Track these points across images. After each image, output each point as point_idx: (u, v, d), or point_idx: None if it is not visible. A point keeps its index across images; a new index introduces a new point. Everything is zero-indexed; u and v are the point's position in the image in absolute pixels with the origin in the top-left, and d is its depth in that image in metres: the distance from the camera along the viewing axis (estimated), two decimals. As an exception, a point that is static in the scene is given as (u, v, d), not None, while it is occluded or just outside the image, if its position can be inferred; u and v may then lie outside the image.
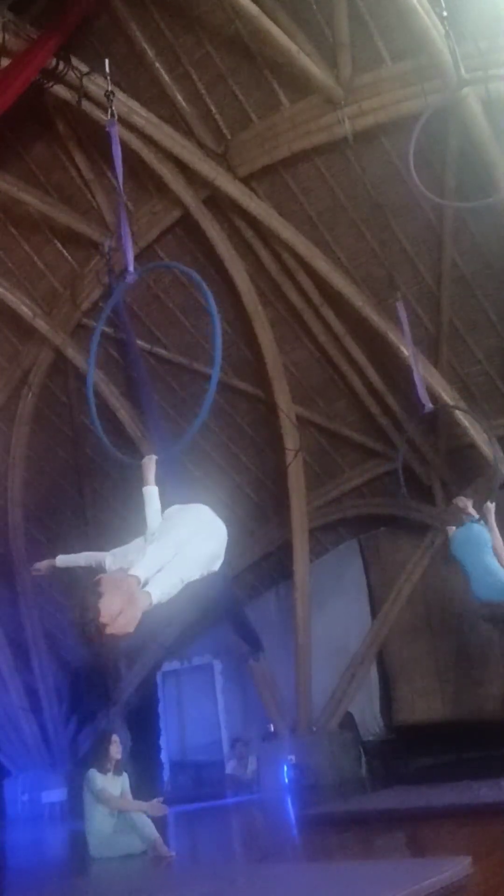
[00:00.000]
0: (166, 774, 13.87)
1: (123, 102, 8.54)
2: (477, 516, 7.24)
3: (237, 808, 10.62)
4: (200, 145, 9.00)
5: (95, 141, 8.99)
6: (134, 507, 4.20)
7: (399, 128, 8.07)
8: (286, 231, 9.46)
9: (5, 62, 7.62)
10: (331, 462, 12.25)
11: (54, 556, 4.18)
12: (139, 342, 10.87)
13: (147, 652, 13.61)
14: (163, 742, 14.17)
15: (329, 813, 7.48)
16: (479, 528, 7.22)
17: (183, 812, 9.99)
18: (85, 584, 3.59)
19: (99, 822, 6.68)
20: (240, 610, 12.36)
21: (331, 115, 8.29)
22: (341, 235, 9.59)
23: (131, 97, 8.61)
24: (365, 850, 5.74)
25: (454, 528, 7.57)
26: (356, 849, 5.80)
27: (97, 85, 8.11)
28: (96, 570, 3.81)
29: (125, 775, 6.96)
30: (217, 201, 9.52)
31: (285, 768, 11.13)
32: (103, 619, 3.27)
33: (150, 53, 8.46)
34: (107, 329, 11.01)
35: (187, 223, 9.81)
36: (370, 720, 12.11)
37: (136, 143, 8.87)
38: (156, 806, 6.53)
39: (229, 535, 4.01)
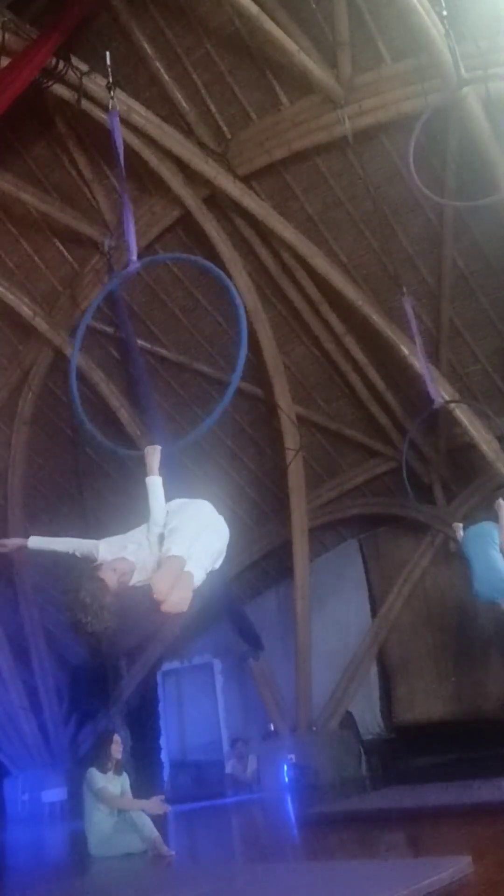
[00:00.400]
0: (166, 774, 13.87)
1: (123, 101, 8.53)
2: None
3: (237, 807, 10.62)
4: (200, 145, 8.99)
5: (95, 140, 8.99)
6: (134, 508, 4.15)
7: (399, 127, 8.07)
8: (286, 230, 9.46)
9: (5, 61, 7.61)
10: (331, 461, 12.25)
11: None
12: (139, 342, 10.86)
13: (147, 651, 13.62)
14: (163, 741, 14.18)
15: (329, 812, 7.48)
16: (490, 526, 7.26)
17: (183, 811, 10.00)
18: (83, 571, 3.60)
19: (99, 822, 6.68)
20: (239, 609, 12.36)
21: (331, 115, 8.29)
22: (341, 235, 9.59)
23: (131, 96, 8.59)
24: (365, 849, 5.74)
25: (461, 525, 7.63)
26: (356, 848, 5.80)
27: (97, 84, 8.10)
28: (78, 559, 3.79)
29: (125, 775, 6.97)
30: (217, 200, 9.52)
31: (285, 767, 11.13)
32: (157, 595, 3.40)
33: (150, 53, 8.45)
34: (107, 328, 11.02)
35: (187, 222, 9.81)
36: (370, 719, 12.12)
37: (136, 143, 8.86)
38: (156, 804, 6.54)
39: (230, 534, 4.01)
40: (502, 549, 6.94)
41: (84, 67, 8.09)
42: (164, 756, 14.09)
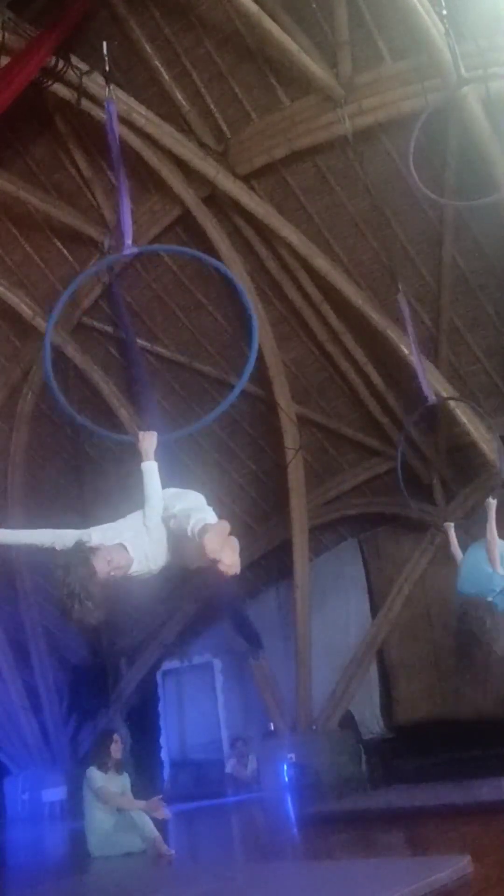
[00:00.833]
0: (166, 773, 13.87)
1: (123, 101, 8.53)
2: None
3: (237, 806, 10.63)
4: (200, 144, 8.99)
5: (95, 140, 8.99)
6: (135, 506, 4.09)
7: (399, 126, 8.06)
8: (286, 230, 9.45)
9: (5, 60, 7.61)
10: (331, 461, 12.25)
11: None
12: (139, 341, 10.86)
13: (147, 651, 13.62)
14: (163, 741, 14.17)
15: (329, 811, 7.49)
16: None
17: (183, 811, 10.00)
18: (74, 553, 3.48)
19: (99, 821, 6.68)
20: (239, 608, 12.36)
21: (331, 114, 8.28)
22: (341, 234, 9.59)
23: (131, 95, 8.60)
24: (365, 848, 5.75)
25: (453, 525, 7.59)
26: (356, 847, 5.80)
27: (97, 83, 8.10)
28: (59, 553, 3.61)
29: (126, 775, 6.97)
30: (217, 200, 9.52)
31: (285, 767, 11.14)
32: (212, 554, 3.37)
33: (150, 52, 8.45)
34: (107, 328, 11.02)
35: (187, 222, 9.81)
36: (370, 719, 12.11)
37: (136, 142, 8.86)
38: (155, 805, 6.54)
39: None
40: (487, 546, 6.87)
41: (84, 67, 8.09)
42: (164, 755, 14.09)
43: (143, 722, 13.91)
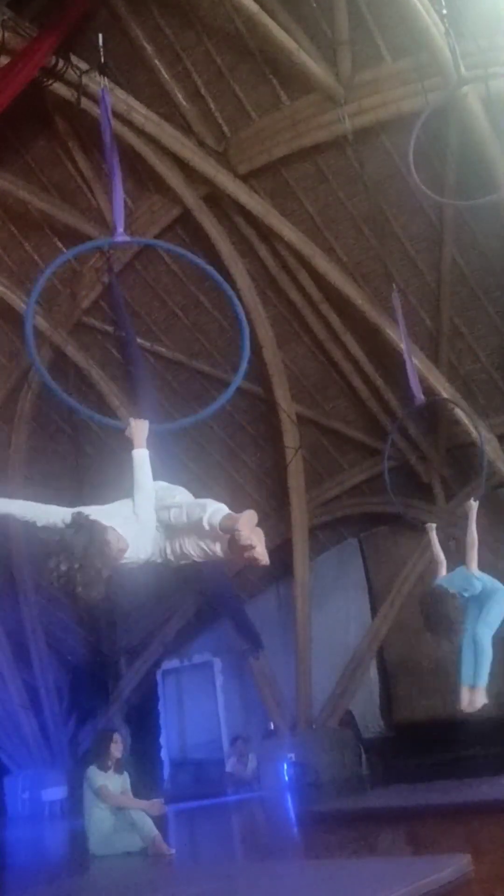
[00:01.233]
0: (166, 772, 13.88)
1: (123, 100, 8.54)
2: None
3: (237, 805, 10.63)
4: (200, 143, 8.99)
5: (95, 139, 8.95)
6: (124, 494, 3.98)
7: (399, 126, 8.06)
8: (286, 229, 9.45)
9: (5, 60, 7.61)
10: (331, 460, 12.25)
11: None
12: (139, 340, 10.86)
13: (147, 650, 13.63)
14: (163, 740, 14.18)
15: (329, 810, 7.49)
16: None
17: (183, 810, 10.00)
18: (85, 525, 3.24)
19: (99, 820, 6.68)
20: (239, 607, 12.36)
21: (331, 113, 8.28)
22: (341, 233, 9.58)
23: (131, 95, 8.60)
24: (365, 847, 5.75)
25: (435, 525, 7.50)
26: (356, 846, 5.80)
27: (96, 83, 8.09)
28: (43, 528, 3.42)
29: (126, 774, 6.96)
30: (217, 199, 9.52)
31: (285, 766, 11.14)
32: (245, 541, 3.36)
33: (150, 51, 8.45)
34: (107, 327, 11.02)
35: (187, 221, 9.81)
36: (370, 718, 12.12)
37: (136, 141, 8.86)
38: (155, 805, 6.55)
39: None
40: (468, 550, 6.73)
41: (84, 66, 8.09)
42: (164, 754, 14.10)
43: (143, 721, 13.92)
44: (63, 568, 3.11)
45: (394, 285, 8.31)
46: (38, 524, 3.45)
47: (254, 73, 8.52)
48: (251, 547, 3.42)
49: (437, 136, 8.12)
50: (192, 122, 8.91)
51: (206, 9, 8.08)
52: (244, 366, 4.30)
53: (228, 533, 3.50)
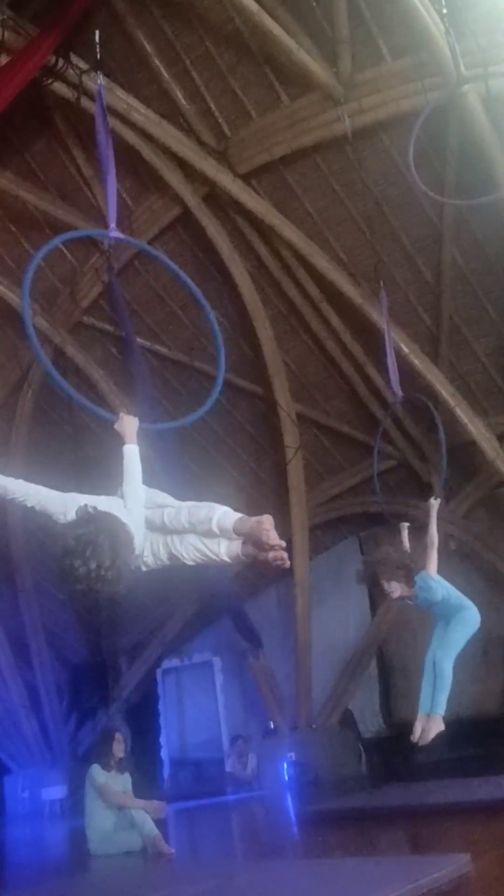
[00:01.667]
0: (166, 771, 13.88)
1: (123, 99, 8.54)
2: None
3: (237, 805, 10.64)
4: (200, 142, 8.99)
5: (95, 138, 8.96)
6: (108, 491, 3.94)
7: (399, 125, 8.06)
8: (286, 228, 9.45)
9: (5, 59, 7.61)
10: (331, 459, 12.25)
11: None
12: (139, 340, 10.86)
13: (147, 649, 13.63)
14: (163, 739, 14.18)
15: (329, 810, 7.49)
16: None
17: (183, 809, 10.01)
18: (108, 517, 3.15)
19: (99, 819, 6.69)
20: (239, 607, 12.37)
21: (331, 112, 8.27)
22: (341, 233, 9.58)
23: (130, 94, 8.59)
24: (364, 846, 5.75)
25: (408, 525, 7.15)
26: (356, 846, 5.81)
27: (96, 82, 8.09)
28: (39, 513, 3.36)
29: (127, 774, 6.97)
30: (217, 198, 9.51)
31: (285, 765, 11.14)
32: (274, 541, 3.37)
33: (150, 50, 8.44)
34: (107, 326, 11.01)
35: (187, 220, 9.80)
36: (370, 717, 12.12)
37: (136, 140, 8.85)
38: (156, 806, 6.55)
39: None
40: (428, 551, 6.46)
41: (83, 65, 8.08)
42: (164, 754, 14.10)
43: (143, 720, 13.92)
44: (92, 566, 2.98)
45: (381, 282, 8.27)
46: (36, 508, 3.40)
47: (254, 72, 8.51)
48: (280, 546, 3.37)
49: (437, 136, 8.11)
50: (191, 121, 8.91)
51: (206, 8, 8.07)
52: (219, 384, 4.25)
53: (243, 536, 3.43)
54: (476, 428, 10.12)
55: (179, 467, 11.41)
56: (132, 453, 3.63)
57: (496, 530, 11.58)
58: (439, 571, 6.30)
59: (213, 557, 3.49)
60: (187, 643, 13.95)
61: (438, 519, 11.25)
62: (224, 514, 3.44)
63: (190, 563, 3.52)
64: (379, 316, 9.75)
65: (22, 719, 12.96)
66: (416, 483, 11.52)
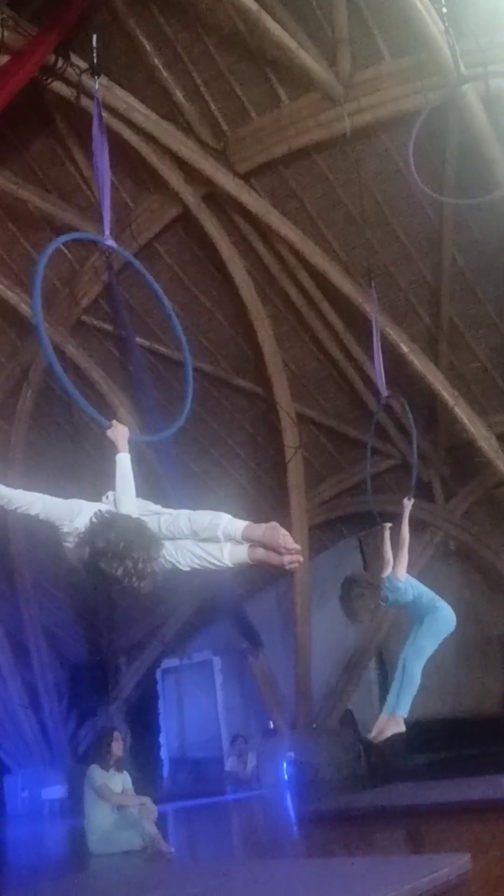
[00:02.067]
0: (166, 771, 13.88)
1: (122, 99, 8.54)
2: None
3: (237, 804, 10.64)
4: (200, 142, 8.99)
5: (95, 136, 8.97)
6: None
7: (399, 124, 8.06)
8: (285, 228, 9.45)
9: (4, 59, 7.60)
10: (330, 459, 12.26)
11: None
12: (138, 339, 10.85)
13: (147, 648, 13.62)
14: (162, 739, 14.19)
15: (328, 809, 7.49)
16: None
17: (182, 808, 10.01)
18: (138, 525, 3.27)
19: (99, 819, 6.69)
20: (238, 606, 12.36)
21: (330, 112, 8.28)
22: (340, 232, 9.58)
23: (130, 94, 8.59)
24: (364, 846, 5.75)
25: (390, 525, 6.99)
26: (355, 845, 5.81)
27: (94, 89, 8.08)
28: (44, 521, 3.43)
29: (126, 773, 6.98)
30: (216, 198, 9.51)
31: (285, 765, 11.15)
32: (294, 546, 3.40)
33: (150, 50, 8.43)
34: (106, 326, 11.01)
35: (186, 220, 9.80)
36: (369, 717, 12.06)
37: (135, 140, 8.85)
38: (148, 807, 6.55)
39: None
40: (400, 551, 6.30)
41: (83, 65, 8.07)
42: (163, 753, 14.11)
43: (143, 720, 13.92)
44: (129, 564, 3.09)
45: (372, 283, 8.25)
46: (41, 516, 3.44)
47: (253, 71, 8.51)
48: (297, 550, 3.43)
49: (437, 135, 8.11)
50: (191, 120, 8.90)
51: (206, 7, 8.07)
52: (188, 405, 4.24)
53: (254, 541, 3.47)
54: (475, 427, 10.12)
55: (179, 467, 11.41)
56: (125, 462, 3.72)
57: (496, 529, 11.58)
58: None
59: (214, 562, 3.50)
60: (187, 643, 13.95)
61: (438, 518, 11.35)
62: (230, 521, 3.47)
63: (185, 568, 3.53)
64: (379, 316, 9.77)
65: (22, 719, 12.96)
66: (416, 482, 11.50)
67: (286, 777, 11.04)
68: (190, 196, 9.41)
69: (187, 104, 8.82)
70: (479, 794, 6.45)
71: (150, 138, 8.90)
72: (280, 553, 3.44)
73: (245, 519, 3.52)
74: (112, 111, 8.30)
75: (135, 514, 3.49)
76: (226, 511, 3.59)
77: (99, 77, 5.69)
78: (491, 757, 8.99)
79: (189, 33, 8.34)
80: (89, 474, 12.16)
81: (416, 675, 5.47)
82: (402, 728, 5.42)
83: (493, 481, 11.00)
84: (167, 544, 3.54)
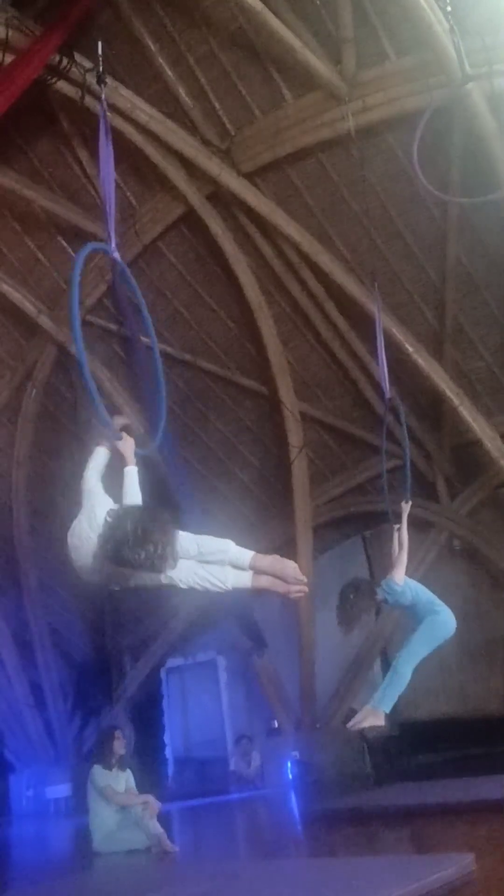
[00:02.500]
0: (170, 770, 13.89)
1: (127, 98, 8.54)
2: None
3: (241, 803, 10.65)
4: (204, 141, 8.99)
5: (99, 137, 8.97)
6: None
7: (403, 123, 8.04)
8: (290, 227, 9.44)
9: (9, 58, 7.60)
10: (335, 458, 12.24)
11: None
12: (143, 338, 10.86)
13: (151, 648, 13.63)
14: (167, 738, 14.20)
15: (333, 809, 7.49)
16: None
17: (187, 808, 10.02)
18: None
19: (103, 818, 6.70)
20: (243, 606, 12.36)
21: (335, 111, 8.26)
22: (345, 231, 9.57)
23: (135, 93, 8.59)
24: (368, 846, 5.75)
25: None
26: (360, 845, 5.81)
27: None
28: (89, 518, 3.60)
29: (129, 771, 6.99)
30: (221, 197, 9.51)
31: (289, 764, 11.15)
32: (300, 574, 3.62)
33: (154, 49, 8.43)
34: (111, 325, 11.02)
35: (191, 219, 9.80)
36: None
37: (140, 139, 8.85)
38: (151, 805, 6.56)
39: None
40: (399, 555, 6.28)
41: (88, 64, 8.07)
42: (168, 753, 14.12)
43: (148, 719, 13.93)
44: (150, 549, 3.25)
45: (375, 284, 8.24)
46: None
47: (258, 71, 8.50)
48: (304, 582, 3.62)
49: (442, 134, 8.09)
50: (195, 120, 8.90)
51: (211, 7, 8.06)
52: (161, 427, 4.25)
53: (260, 570, 3.61)
54: (480, 427, 10.11)
55: (184, 467, 11.42)
56: (134, 474, 3.87)
57: (500, 529, 11.56)
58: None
59: (217, 585, 3.59)
60: (191, 642, 13.96)
61: (442, 518, 11.33)
62: (239, 550, 3.60)
63: (183, 586, 3.59)
64: (383, 315, 9.75)
65: (27, 718, 12.99)
66: (420, 482, 11.50)
67: (290, 777, 11.04)
68: (194, 195, 9.42)
69: (192, 103, 8.83)
70: (484, 795, 6.44)
71: (154, 137, 8.90)
72: (288, 582, 3.61)
73: (251, 517, 3.57)
74: (116, 110, 8.30)
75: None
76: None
77: (105, 88, 5.66)
78: (495, 757, 8.98)
79: (194, 32, 8.34)
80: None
81: (404, 676, 5.46)
82: (381, 722, 5.42)
83: (497, 481, 10.98)
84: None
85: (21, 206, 10.03)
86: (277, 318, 10.58)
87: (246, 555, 3.58)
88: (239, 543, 3.63)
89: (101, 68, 5.74)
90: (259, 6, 7.34)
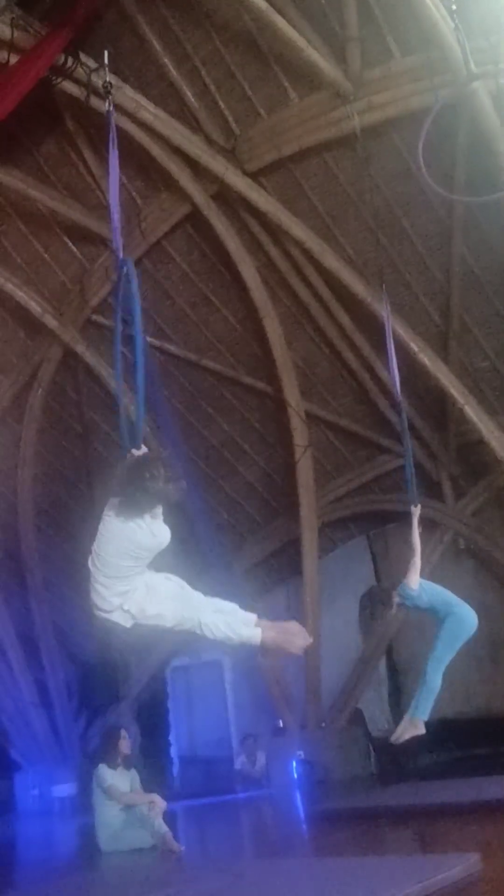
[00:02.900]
0: (176, 770, 13.90)
1: (132, 98, 8.54)
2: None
3: (246, 803, 10.65)
4: (209, 141, 8.99)
5: (104, 137, 8.95)
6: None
7: (408, 122, 8.03)
8: (295, 226, 9.44)
9: (14, 58, 7.61)
10: (340, 458, 12.23)
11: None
12: (148, 338, 10.86)
13: (157, 647, 13.64)
14: (172, 737, 14.20)
15: (338, 809, 7.50)
16: None
17: (192, 807, 10.02)
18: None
19: (108, 817, 6.71)
20: (248, 605, 12.35)
21: (340, 110, 8.26)
22: (350, 231, 9.56)
23: (139, 92, 8.59)
24: (374, 845, 5.75)
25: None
26: (365, 844, 5.81)
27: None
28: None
29: (134, 770, 6.99)
30: (225, 197, 9.51)
31: (294, 764, 11.14)
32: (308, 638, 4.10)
33: (159, 49, 8.44)
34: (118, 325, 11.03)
35: (196, 219, 9.81)
36: (379, 716, 12.10)
37: (145, 139, 8.86)
38: (156, 802, 6.57)
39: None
40: (413, 560, 6.12)
41: (93, 64, 8.07)
42: (173, 752, 14.12)
43: (153, 718, 13.94)
44: (164, 471, 3.43)
45: (383, 285, 8.22)
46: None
47: (263, 70, 8.50)
48: (309, 642, 4.00)
49: (447, 133, 8.07)
50: (200, 119, 8.91)
51: (215, 6, 8.07)
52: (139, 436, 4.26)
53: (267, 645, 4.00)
54: (486, 426, 10.08)
55: (190, 466, 11.43)
56: None
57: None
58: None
59: (229, 635, 3.99)
60: (197, 641, 13.93)
61: (448, 517, 11.32)
62: (247, 617, 3.97)
63: (174, 626, 3.86)
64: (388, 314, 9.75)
65: (32, 717, 13.00)
66: (425, 482, 11.48)
67: (296, 776, 11.03)
68: (199, 195, 9.42)
69: (197, 103, 8.83)
70: (489, 794, 6.44)
71: (159, 137, 8.90)
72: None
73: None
74: (122, 110, 8.31)
75: None
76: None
77: (111, 95, 5.65)
78: (501, 757, 8.98)
79: (199, 32, 8.34)
80: (99, 472, 12.24)
81: (434, 681, 5.60)
82: (421, 731, 5.59)
83: (503, 480, 10.96)
84: (176, 602, 3.82)
85: (26, 205, 10.05)
86: (282, 318, 10.58)
87: (256, 633, 3.95)
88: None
89: (108, 79, 5.73)
90: (264, 5, 7.34)
